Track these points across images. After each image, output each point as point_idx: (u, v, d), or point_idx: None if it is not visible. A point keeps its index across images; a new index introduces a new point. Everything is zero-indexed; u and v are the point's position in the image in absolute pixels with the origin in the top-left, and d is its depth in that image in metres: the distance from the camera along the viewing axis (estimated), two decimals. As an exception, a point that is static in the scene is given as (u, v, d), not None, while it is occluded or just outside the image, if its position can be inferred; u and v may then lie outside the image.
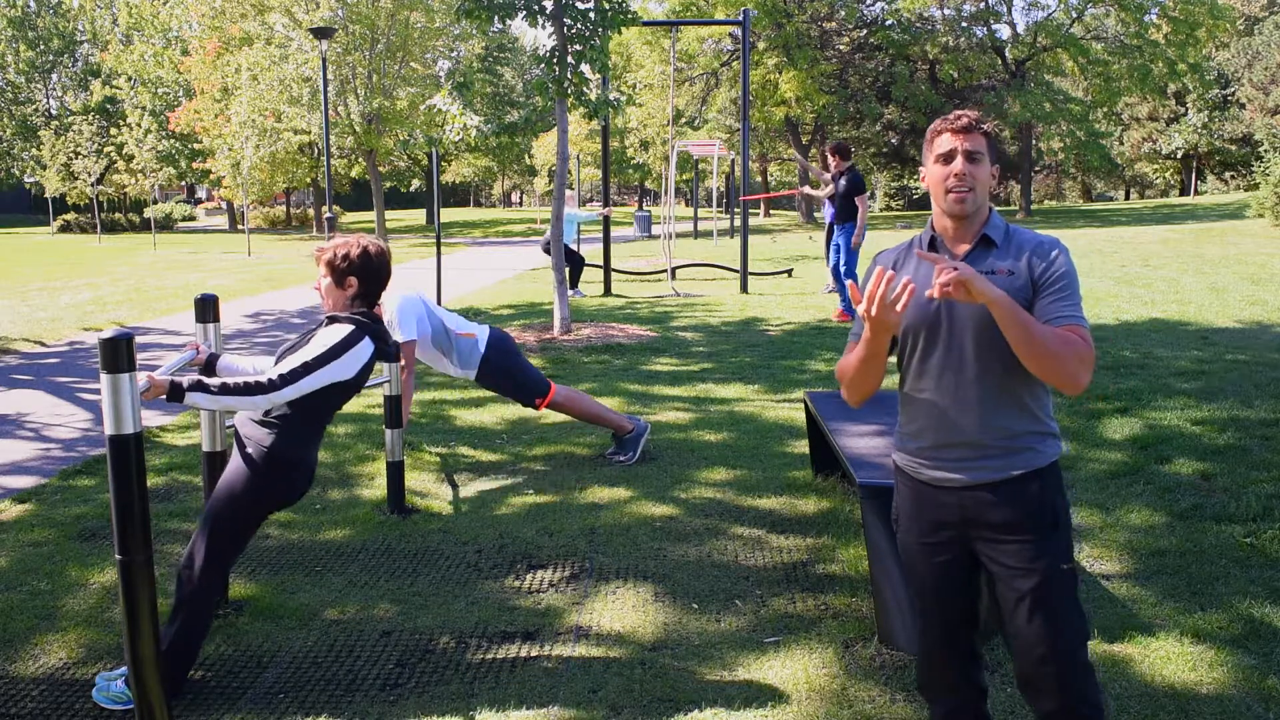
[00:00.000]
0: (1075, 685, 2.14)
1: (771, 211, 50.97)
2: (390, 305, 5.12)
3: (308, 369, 2.90)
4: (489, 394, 6.90)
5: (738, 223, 25.60)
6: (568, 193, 13.61)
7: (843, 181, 10.49)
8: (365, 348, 3.04)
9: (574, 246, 13.73)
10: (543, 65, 9.28)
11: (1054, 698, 2.15)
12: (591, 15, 9.09)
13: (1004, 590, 2.17)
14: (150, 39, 41.86)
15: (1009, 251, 2.16)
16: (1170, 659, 3.11)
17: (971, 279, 1.96)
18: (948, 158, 2.14)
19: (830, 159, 10.66)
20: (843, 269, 10.78)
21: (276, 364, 3.08)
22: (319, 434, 3.17)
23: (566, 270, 12.41)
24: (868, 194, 10.74)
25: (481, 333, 5.32)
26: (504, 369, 5.31)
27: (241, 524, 3.05)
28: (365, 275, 3.10)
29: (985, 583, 2.26)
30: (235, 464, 3.04)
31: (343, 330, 3.01)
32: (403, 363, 5.01)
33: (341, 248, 3.10)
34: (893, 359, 2.31)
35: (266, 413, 3.02)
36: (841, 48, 37.61)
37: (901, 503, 2.35)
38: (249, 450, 3.02)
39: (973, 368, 2.14)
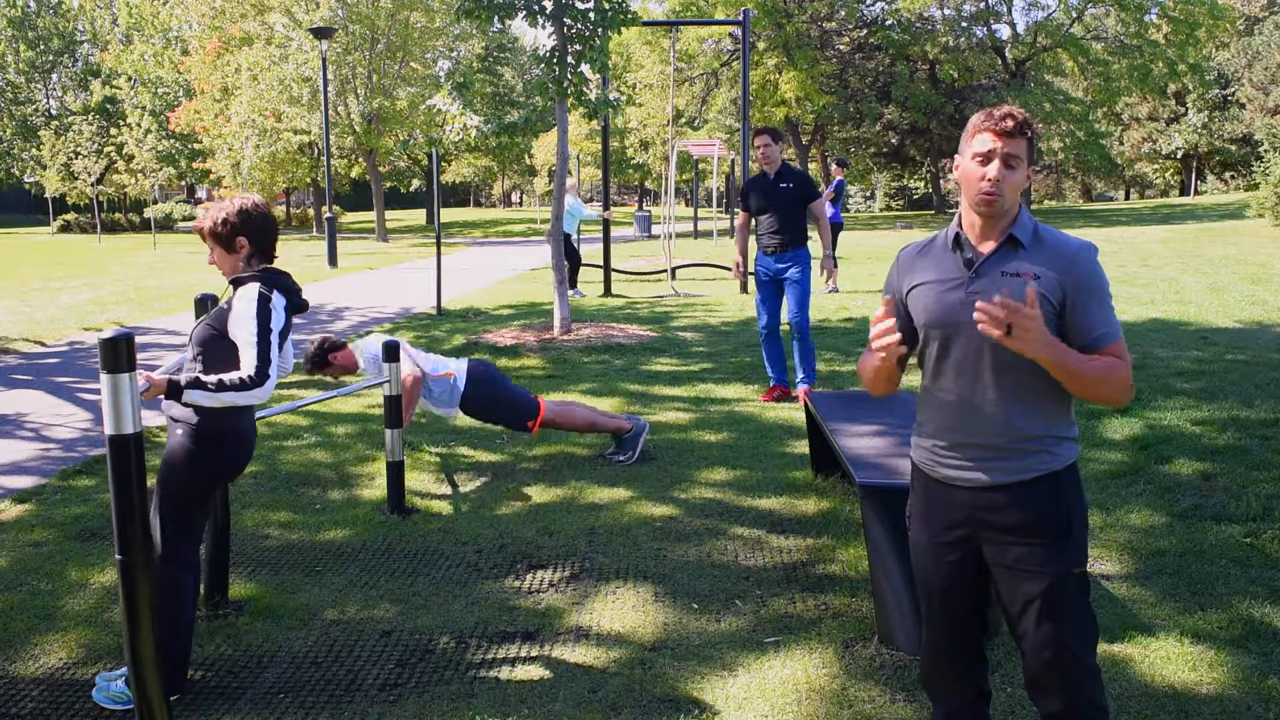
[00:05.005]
0: (1081, 688, 2.14)
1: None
2: (369, 348, 5.13)
3: (264, 343, 2.91)
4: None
5: (738, 222, 25.57)
6: (570, 182, 13.55)
7: (787, 186, 6.58)
8: (279, 299, 3.04)
9: (575, 243, 13.63)
10: (543, 65, 9.28)
11: (1059, 699, 2.16)
12: (591, 15, 9.09)
13: (1013, 593, 2.17)
14: (150, 39, 41.84)
15: (1037, 254, 2.11)
16: (1170, 659, 3.11)
17: (1026, 344, 1.95)
18: (985, 158, 2.09)
19: (762, 141, 6.63)
20: (795, 321, 6.70)
21: (192, 343, 3.07)
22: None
23: (566, 269, 12.41)
24: (824, 200, 6.99)
25: (459, 369, 5.30)
26: (488, 400, 5.32)
27: (187, 504, 3.03)
28: (251, 231, 3.09)
29: (994, 587, 2.26)
30: (170, 444, 3.04)
31: (253, 288, 3.00)
32: (408, 384, 5.04)
33: (219, 213, 3.09)
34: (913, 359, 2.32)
35: None
36: (841, 48, 37.61)
37: (915, 500, 2.34)
38: (179, 430, 3.02)
39: (992, 369, 2.13)
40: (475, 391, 5.28)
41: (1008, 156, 2.07)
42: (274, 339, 2.95)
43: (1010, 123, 2.07)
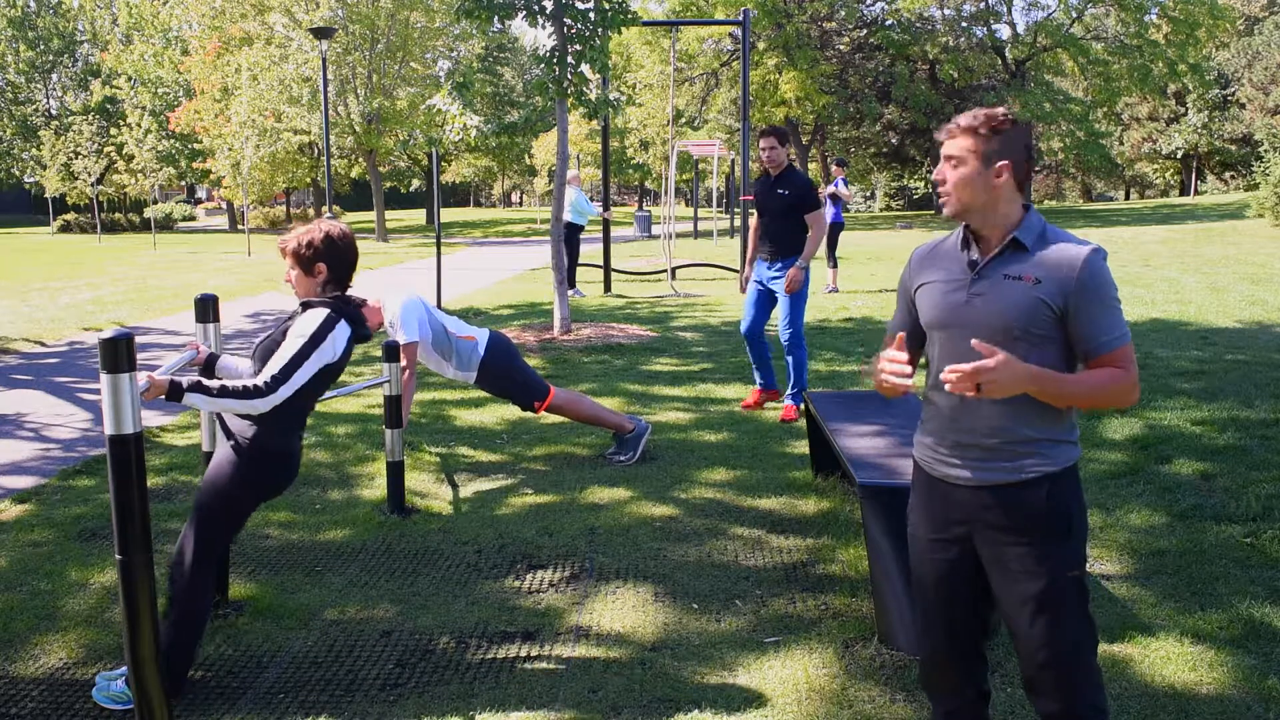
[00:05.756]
0: (1078, 690, 2.14)
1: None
2: (391, 307, 5.14)
3: (296, 363, 2.92)
4: (489, 395, 6.90)
5: (737, 223, 25.63)
6: (571, 173, 13.47)
7: (783, 192, 6.17)
8: (342, 330, 3.06)
9: (579, 239, 13.54)
10: (543, 65, 9.29)
11: (1055, 700, 2.16)
12: (591, 15, 9.09)
13: (1008, 592, 2.17)
14: (150, 39, 41.84)
15: (1041, 258, 2.11)
16: (1170, 659, 3.11)
17: (1001, 391, 1.96)
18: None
19: (768, 144, 6.17)
20: (786, 335, 6.30)
21: (256, 358, 3.09)
22: (302, 423, 3.18)
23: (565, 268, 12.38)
24: (822, 209, 6.28)
25: (481, 336, 5.33)
26: (504, 371, 5.32)
27: (229, 516, 3.06)
28: (332, 259, 3.11)
29: (991, 586, 2.26)
30: (220, 456, 3.05)
31: (319, 315, 3.02)
32: (404, 363, 5.03)
33: (304, 235, 3.11)
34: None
35: None
36: (841, 48, 37.62)
37: (914, 498, 2.35)
38: (232, 442, 3.03)
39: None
40: (493, 359, 5.28)
41: (948, 157, 2.13)
42: (308, 364, 2.95)
43: (952, 124, 2.14)
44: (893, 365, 2.14)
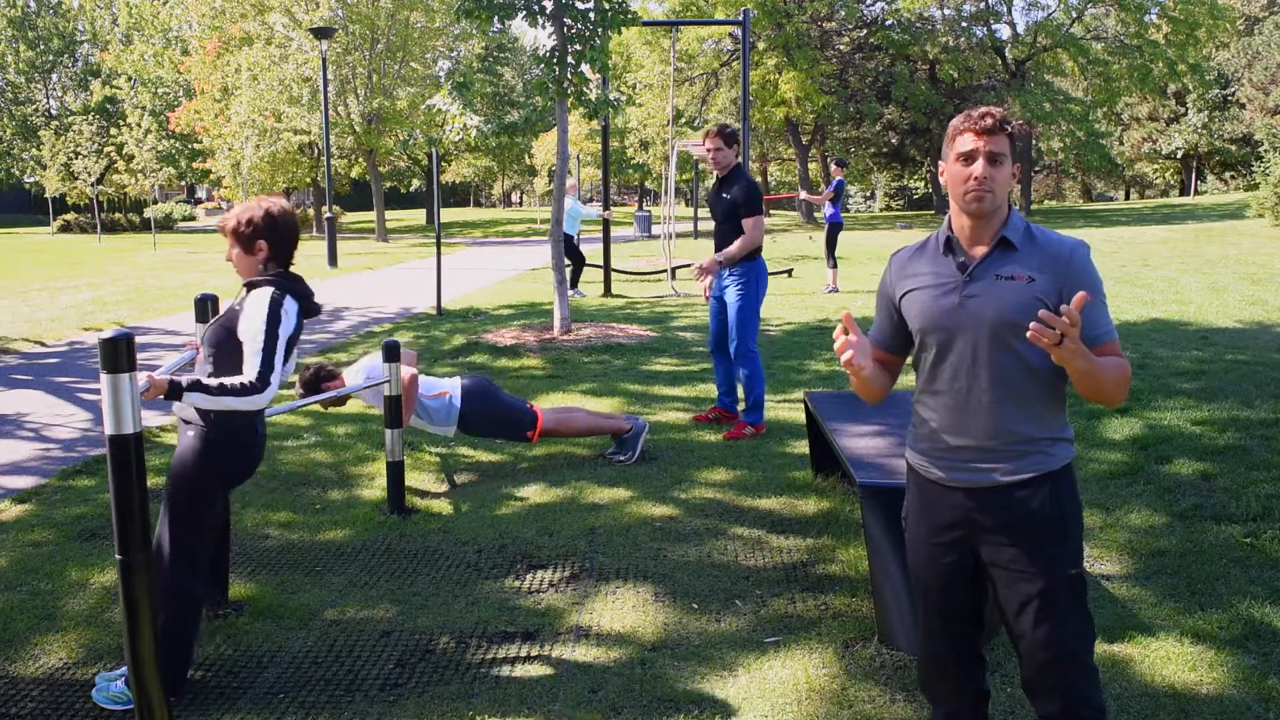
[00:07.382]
0: (1078, 689, 2.14)
1: (771, 212, 50.95)
2: (360, 371, 5.03)
3: (271, 350, 2.92)
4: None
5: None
6: (569, 182, 13.51)
7: (727, 196, 5.75)
8: (291, 305, 3.04)
9: (576, 243, 13.65)
10: (543, 65, 9.29)
11: (1056, 700, 2.16)
12: (591, 15, 9.09)
13: (1009, 593, 2.17)
14: (150, 39, 41.85)
15: (1030, 255, 2.11)
16: (1170, 659, 3.11)
17: (1073, 354, 1.93)
18: (969, 158, 2.09)
19: (713, 145, 5.75)
20: (731, 348, 5.87)
21: (205, 343, 3.07)
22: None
23: (568, 270, 12.42)
24: (760, 215, 5.69)
25: (454, 388, 5.22)
26: (485, 418, 5.22)
27: (197, 505, 3.05)
28: (273, 237, 3.09)
29: (991, 588, 2.26)
30: (181, 446, 3.05)
31: (266, 292, 3.01)
32: (405, 385, 5.03)
33: (245, 213, 3.09)
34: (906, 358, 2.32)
35: None
36: (841, 48, 37.63)
37: (911, 502, 2.34)
38: (190, 432, 3.03)
39: (986, 371, 2.13)
40: (472, 409, 5.18)
41: (991, 154, 2.08)
42: (280, 346, 2.95)
43: (989, 120, 2.09)
44: (836, 344, 2.17)
